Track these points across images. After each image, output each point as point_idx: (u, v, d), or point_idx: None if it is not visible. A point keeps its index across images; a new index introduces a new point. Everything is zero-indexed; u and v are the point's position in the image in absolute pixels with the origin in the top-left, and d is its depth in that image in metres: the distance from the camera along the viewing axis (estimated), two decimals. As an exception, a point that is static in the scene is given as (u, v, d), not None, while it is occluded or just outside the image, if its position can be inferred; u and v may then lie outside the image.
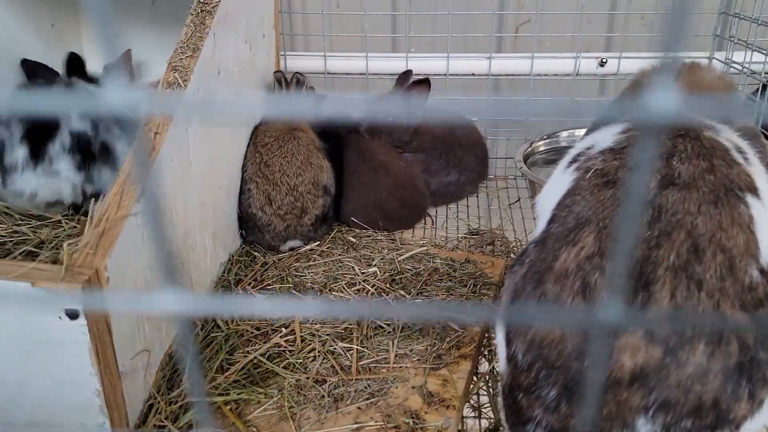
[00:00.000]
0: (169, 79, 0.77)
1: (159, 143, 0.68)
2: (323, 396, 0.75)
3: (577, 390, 0.58)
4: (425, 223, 1.26)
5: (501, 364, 0.69)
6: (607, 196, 0.62)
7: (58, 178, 0.84)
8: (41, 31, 1.19)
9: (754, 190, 0.61)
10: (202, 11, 0.86)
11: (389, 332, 0.87)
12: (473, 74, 1.41)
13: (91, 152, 0.89)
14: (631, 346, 0.55)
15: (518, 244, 1.19)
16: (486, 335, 0.89)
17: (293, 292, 0.95)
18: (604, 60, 1.30)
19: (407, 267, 1.04)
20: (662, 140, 0.65)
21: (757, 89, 1.12)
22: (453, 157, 1.26)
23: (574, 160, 0.73)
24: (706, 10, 1.30)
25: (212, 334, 0.84)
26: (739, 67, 1.20)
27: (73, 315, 0.55)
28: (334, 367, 0.80)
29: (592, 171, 0.66)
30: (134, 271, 0.67)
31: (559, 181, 0.72)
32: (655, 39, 1.33)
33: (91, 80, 1.04)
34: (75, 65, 1.02)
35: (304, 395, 0.75)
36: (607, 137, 0.71)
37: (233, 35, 0.93)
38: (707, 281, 0.55)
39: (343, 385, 0.77)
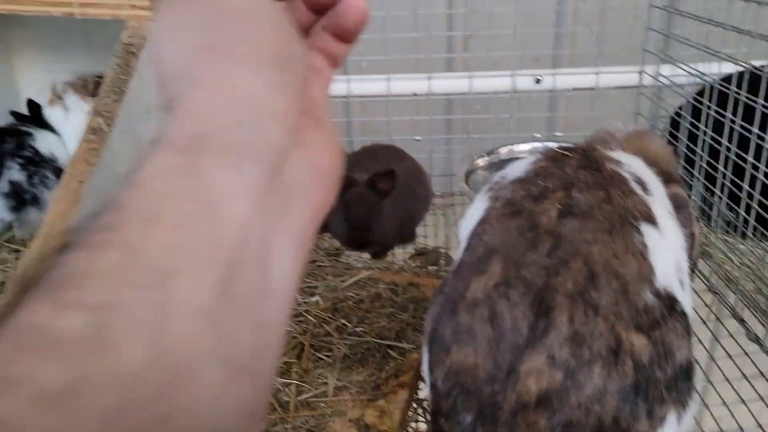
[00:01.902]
0: (93, 125, 0.80)
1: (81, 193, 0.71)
2: (260, 433, 0.79)
3: (490, 413, 0.62)
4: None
5: (426, 391, 0.74)
6: (513, 225, 0.68)
7: None
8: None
9: (650, 219, 0.67)
10: (127, 53, 0.89)
11: (330, 363, 0.91)
12: (414, 94, 1.46)
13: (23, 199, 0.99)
14: (535, 371, 0.60)
15: (462, 263, 1.24)
16: (425, 360, 0.93)
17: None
18: (540, 77, 1.37)
19: (350, 294, 1.08)
20: (567, 171, 0.71)
21: (681, 105, 1.20)
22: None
23: (490, 189, 0.78)
24: (636, 25, 1.38)
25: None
26: (667, 81, 1.27)
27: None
28: (273, 404, 0.83)
29: (501, 200, 0.71)
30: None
31: (476, 208, 0.77)
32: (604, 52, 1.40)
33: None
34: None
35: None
36: (519, 167, 0.76)
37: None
38: (603, 306, 0.61)
39: (281, 422, 0.81)
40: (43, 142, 1.18)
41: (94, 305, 0.23)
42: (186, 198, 0.27)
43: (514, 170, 0.76)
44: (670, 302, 0.64)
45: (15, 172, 1.10)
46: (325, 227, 1.28)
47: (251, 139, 0.30)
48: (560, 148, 0.75)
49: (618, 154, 0.76)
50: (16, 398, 0.21)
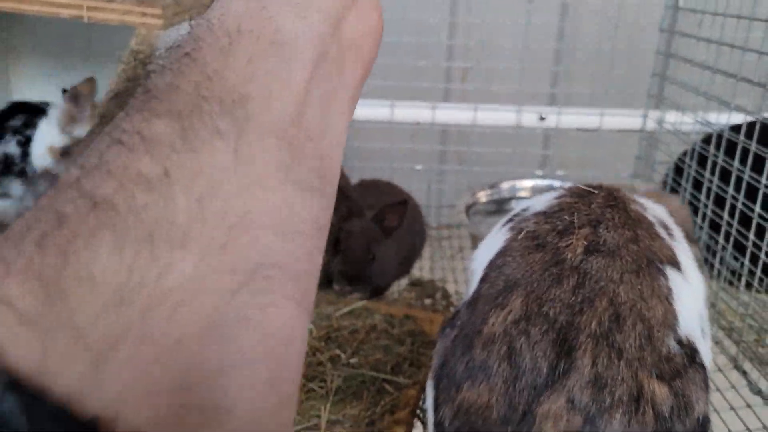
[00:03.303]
0: (96, 130, 0.77)
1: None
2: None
3: (503, 458, 0.60)
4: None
5: (429, 430, 0.71)
6: (536, 259, 0.67)
7: None
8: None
9: (675, 264, 0.67)
10: (135, 60, 0.88)
11: (322, 396, 0.88)
12: (418, 123, 1.47)
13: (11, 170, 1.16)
14: (553, 414, 0.59)
15: (458, 297, 1.22)
16: (422, 397, 0.91)
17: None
18: (543, 116, 1.39)
19: (344, 323, 1.06)
20: (593, 208, 0.71)
21: (686, 151, 1.22)
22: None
23: (510, 220, 0.77)
24: (642, 71, 1.41)
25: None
26: (671, 127, 1.30)
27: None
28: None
29: (523, 232, 0.71)
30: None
31: (493, 240, 0.76)
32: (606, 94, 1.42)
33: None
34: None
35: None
36: (542, 201, 0.76)
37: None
38: (627, 350, 0.60)
39: (269, 454, 0.77)
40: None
41: (179, 113, 0.27)
42: (258, 36, 0.31)
43: (537, 203, 0.76)
44: (691, 352, 0.63)
45: (12, 146, 1.18)
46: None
47: None
48: (582, 186, 0.75)
49: (641, 198, 0.76)
50: (116, 180, 0.24)
